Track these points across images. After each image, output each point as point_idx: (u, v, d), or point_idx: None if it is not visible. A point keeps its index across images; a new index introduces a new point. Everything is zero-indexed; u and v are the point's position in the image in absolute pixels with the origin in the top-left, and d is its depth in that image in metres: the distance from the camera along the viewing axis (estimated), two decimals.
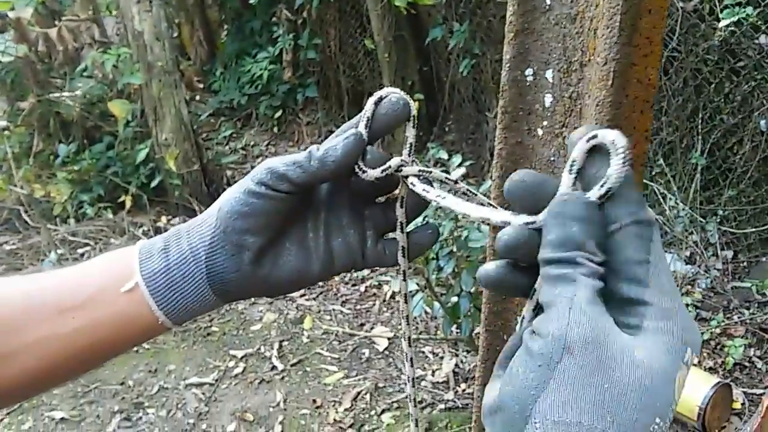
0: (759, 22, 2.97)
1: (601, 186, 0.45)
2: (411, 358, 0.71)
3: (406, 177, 0.61)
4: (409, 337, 0.69)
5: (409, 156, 0.62)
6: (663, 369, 0.40)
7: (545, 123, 0.83)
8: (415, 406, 0.72)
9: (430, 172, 0.61)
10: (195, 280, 0.59)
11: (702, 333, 2.97)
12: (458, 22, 4.38)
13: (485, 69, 4.42)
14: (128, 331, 0.60)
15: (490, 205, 0.64)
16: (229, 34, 6.53)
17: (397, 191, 0.64)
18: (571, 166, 0.47)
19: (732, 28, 3.07)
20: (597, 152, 0.47)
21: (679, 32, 3.30)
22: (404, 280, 0.67)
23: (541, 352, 0.40)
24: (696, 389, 2.55)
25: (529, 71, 0.85)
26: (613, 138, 0.46)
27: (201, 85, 6.52)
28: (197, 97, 6.46)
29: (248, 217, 0.58)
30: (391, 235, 0.65)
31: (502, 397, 0.41)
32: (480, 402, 0.96)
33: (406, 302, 0.69)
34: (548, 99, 0.83)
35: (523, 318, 0.50)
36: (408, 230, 0.64)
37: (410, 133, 0.62)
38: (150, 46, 4.49)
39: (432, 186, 0.61)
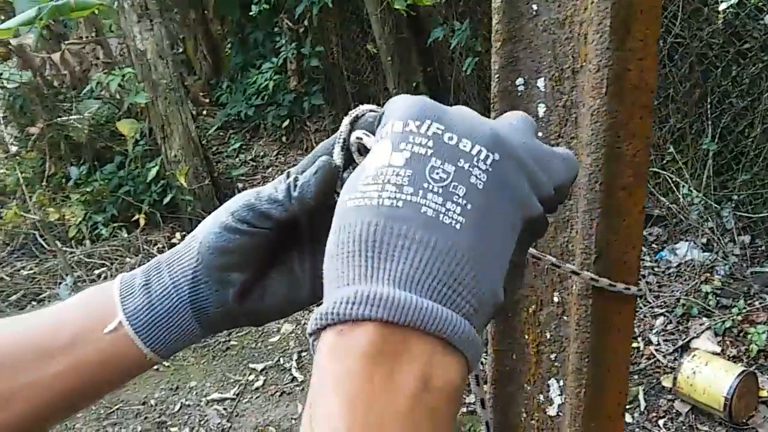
0: (761, 3, 2.93)
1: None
2: None
3: None
4: None
5: None
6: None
7: (540, 134, 0.81)
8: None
9: None
10: (180, 314, 0.58)
11: (723, 321, 2.93)
12: (459, 21, 4.36)
13: (489, 66, 4.36)
14: (115, 370, 0.59)
15: None
16: (232, 47, 6.55)
17: None
18: (338, 137, 0.55)
19: (735, 10, 3.03)
20: None
21: (682, 17, 3.26)
22: None
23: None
24: (720, 379, 2.52)
25: (519, 81, 0.83)
26: (370, 107, 0.54)
27: (207, 100, 6.54)
28: (205, 112, 6.49)
29: (231, 253, 0.56)
30: None
31: None
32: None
33: None
34: (542, 109, 0.81)
35: None
36: None
37: None
38: (153, 65, 4.51)
39: None
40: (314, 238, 0.61)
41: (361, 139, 0.53)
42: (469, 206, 0.39)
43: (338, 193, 0.57)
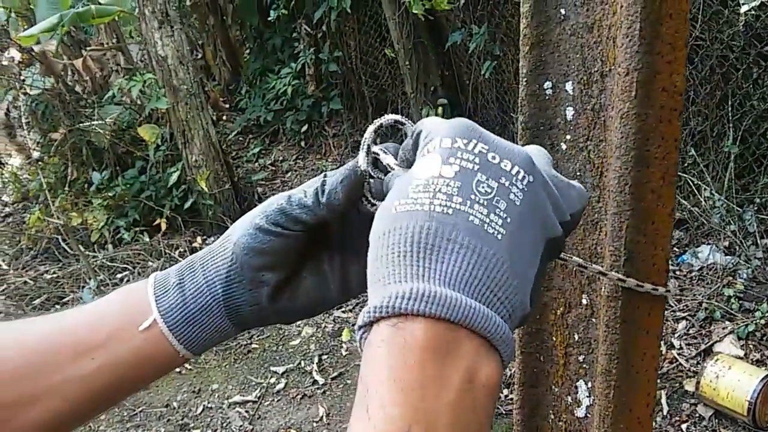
0: None
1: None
2: None
3: None
4: None
5: None
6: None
7: (568, 137, 0.82)
8: None
9: None
10: (213, 312, 0.59)
11: (746, 324, 2.91)
12: (477, 25, 4.36)
13: (507, 70, 4.39)
14: (148, 366, 0.61)
15: None
16: (251, 53, 6.60)
17: None
18: (363, 144, 0.56)
19: (756, 12, 3.01)
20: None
21: (702, 20, 3.25)
22: None
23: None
24: (744, 383, 2.50)
25: (547, 84, 0.84)
26: (396, 117, 0.56)
27: (227, 105, 6.59)
28: (224, 117, 6.53)
29: (264, 254, 0.58)
30: None
31: None
32: (520, 426, 0.96)
33: None
34: (570, 112, 0.82)
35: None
36: None
37: None
38: (174, 71, 4.55)
39: None
40: (344, 240, 0.62)
41: (378, 155, 0.56)
42: (509, 219, 0.42)
43: (366, 198, 0.59)
